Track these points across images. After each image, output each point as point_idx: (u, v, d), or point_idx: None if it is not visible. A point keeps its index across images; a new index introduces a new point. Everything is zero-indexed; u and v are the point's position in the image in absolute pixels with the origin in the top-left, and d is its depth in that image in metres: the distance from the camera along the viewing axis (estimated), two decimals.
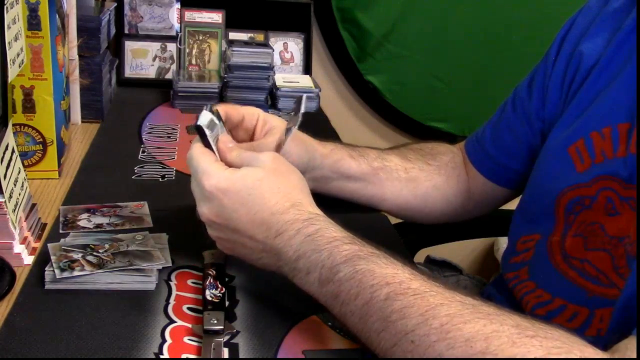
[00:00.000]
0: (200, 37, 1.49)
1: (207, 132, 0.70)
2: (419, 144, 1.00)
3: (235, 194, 0.66)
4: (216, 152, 0.71)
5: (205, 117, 0.71)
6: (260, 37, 1.56)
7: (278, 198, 0.66)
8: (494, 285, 0.92)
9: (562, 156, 0.75)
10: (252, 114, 0.81)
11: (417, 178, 0.93)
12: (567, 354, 0.49)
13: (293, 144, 0.83)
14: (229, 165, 0.69)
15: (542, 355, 0.49)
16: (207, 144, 0.71)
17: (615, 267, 0.69)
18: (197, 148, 0.70)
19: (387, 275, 0.58)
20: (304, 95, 0.78)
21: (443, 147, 0.99)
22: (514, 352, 0.49)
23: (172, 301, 0.69)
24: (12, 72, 0.78)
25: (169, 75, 1.47)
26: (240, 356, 0.63)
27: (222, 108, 0.78)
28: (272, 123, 0.82)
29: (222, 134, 0.72)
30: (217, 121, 0.72)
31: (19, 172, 0.78)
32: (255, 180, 0.66)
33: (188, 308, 0.69)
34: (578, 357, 0.49)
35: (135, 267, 0.71)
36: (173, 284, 0.72)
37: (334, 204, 0.95)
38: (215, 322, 0.64)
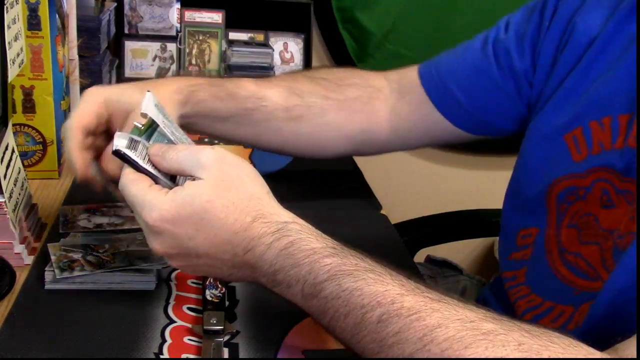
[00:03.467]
0: (200, 37, 1.49)
1: (130, 153, 0.58)
2: (331, 70, 0.95)
3: (185, 221, 0.56)
4: (151, 170, 0.60)
5: (121, 141, 0.59)
6: (260, 37, 1.56)
7: (236, 215, 0.57)
8: (490, 289, 0.91)
9: (557, 143, 0.73)
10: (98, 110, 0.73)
11: (302, 116, 0.88)
12: None
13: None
14: (168, 172, 0.60)
15: None
16: (138, 167, 0.59)
17: (603, 259, 0.68)
18: (127, 176, 0.59)
19: (377, 294, 0.53)
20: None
21: (358, 79, 0.92)
22: None
23: (172, 301, 0.69)
24: (12, 72, 0.78)
25: (169, 75, 1.47)
26: (240, 356, 0.63)
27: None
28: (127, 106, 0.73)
29: (151, 145, 0.61)
30: (138, 138, 0.60)
31: (19, 172, 0.78)
32: (203, 202, 0.56)
33: (188, 308, 0.69)
34: None
35: (135, 267, 0.71)
36: (173, 284, 0.72)
37: (332, 203, 0.95)
38: (215, 322, 0.64)
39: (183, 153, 0.59)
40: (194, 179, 0.58)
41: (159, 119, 0.61)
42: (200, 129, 0.86)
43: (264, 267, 0.57)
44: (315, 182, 0.98)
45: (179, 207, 0.56)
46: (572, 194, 0.72)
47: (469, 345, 0.49)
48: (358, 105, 0.89)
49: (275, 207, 0.59)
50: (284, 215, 0.58)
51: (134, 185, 0.58)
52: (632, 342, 0.52)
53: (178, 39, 1.48)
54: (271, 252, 0.56)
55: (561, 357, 0.48)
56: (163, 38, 1.48)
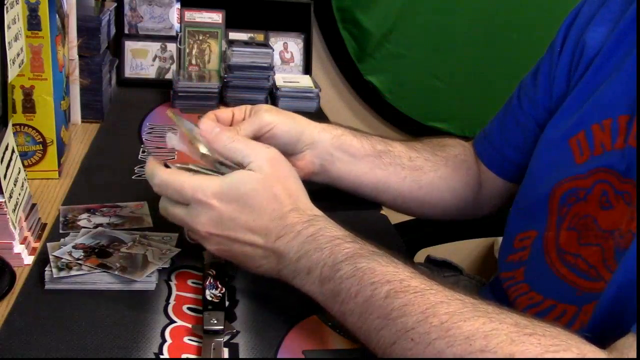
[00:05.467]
0: (200, 37, 1.49)
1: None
2: (429, 137, 1.00)
3: (232, 202, 0.65)
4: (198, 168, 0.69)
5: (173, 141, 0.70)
6: (260, 37, 1.56)
7: (276, 205, 0.66)
8: (490, 287, 0.92)
9: (562, 148, 0.75)
10: (240, 108, 0.83)
11: (422, 167, 0.93)
12: (565, 351, 0.50)
13: (280, 117, 0.83)
14: (220, 153, 0.67)
15: (539, 352, 0.49)
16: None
17: (604, 260, 0.69)
18: (166, 172, 0.67)
19: (387, 273, 0.58)
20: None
21: (453, 141, 0.99)
22: (513, 349, 0.50)
23: (172, 301, 0.69)
24: (12, 72, 0.78)
25: (169, 75, 1.47)
26: (240, 356, 0.63)
27: (210, 114, 0.79)
28: (259, 107, 0.83)
29: (196, 131, 0.69)
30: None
31: (19, 172, 0.78)
32: (251, 188, 0.65)
33: (188, 308, 0.69)
34: (575, 354, 0.50)
35: (133, 268, 0.71)
36: (173, 284, 0.72)
37: (333, 203, 0.95)
38: (215, 322, 0.64)
39: (242, 144, 0.68)
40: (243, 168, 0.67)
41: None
42: (336, 168, 0.90)
43: (290, 254, 0.64)
44: (315, 182, 0.98)
45: (229, 188, 0.65)
46: (573, 196, 0.73)
47: (468, 319, 0.52)
48: (458, 162, 0.95)
49: (309, 204, 0.69)
50: (316, 210, 0.68)
51: (179, 175, 0.66)
52: (630, 340, 0.52)
53: (178, 39, 1.48)
54: (299, 238, 0.64)
55: (555, 340, 0.50)
56: (163, 38, 1.48)
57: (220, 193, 0.65)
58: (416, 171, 0.92)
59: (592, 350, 0.51)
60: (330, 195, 0.95)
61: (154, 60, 1.47)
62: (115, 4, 1.42)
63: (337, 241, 0.63)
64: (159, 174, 0.67)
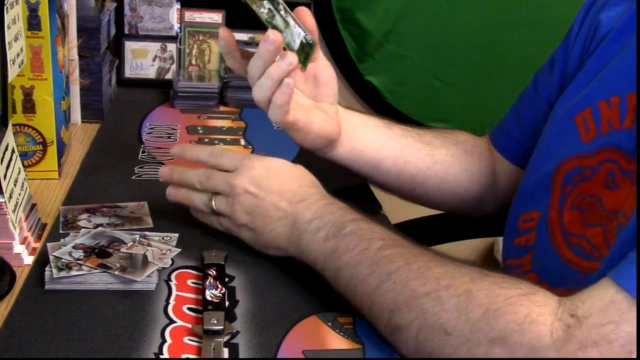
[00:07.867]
0: (200, 37, 1.49)
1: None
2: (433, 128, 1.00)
3: (270, 169, 0.79)
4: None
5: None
6: (260, 37, 1.55)
7: (302, 180, 0.79)
8: None
9: (568, 125, 0.74)
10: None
11: (432, 142, 0.92)
12: (514, 288, 0.58)
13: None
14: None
15: (491, 288, 0.58)
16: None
17: (607, 240, 0.68)
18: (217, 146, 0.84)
19: (383, 233, 0.69)
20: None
21: (461, 131, 0.98)
22: (471, 286, 0.59)
23: (172, 301, 0.70)
24: (12, 72, 0.78)
25: (169, 76, 1.47)
26: (240, 356, 0.63)
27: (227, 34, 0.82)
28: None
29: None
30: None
31: (19, 172, 0.78)
32: (288, 165, 0.81)
33: (188, 308, 0.69)
34: (522, 291, 0.57)
35: (133, 268, 0.71)
36: (173, 284, 0.72)
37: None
38: (215, 322, 0.64)
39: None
40: None
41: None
42: (357, 137, 0.90)
43: (306, 216, 0.74)
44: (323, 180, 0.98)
45: (273, 162, 0.81)
46: (578, 175, 0.72)
47: (441, 265, 0.63)
48: (469, 147, 0.94)
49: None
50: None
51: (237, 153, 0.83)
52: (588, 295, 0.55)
53: (178, 39, 1.48)
54: (317, 204, 0.75)
55: (511, 280, 0.59)
56: (163, 38, 1.48)
57: (263, 163, 0.79)
58: (428, 145, 0.91)
59: (543, 293, 0.57)
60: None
61: (154, 60, 1.47)
62: (115, 4, 1.42)
63: (346, 210, 0.73)
64: (212, 147, 0.85)
